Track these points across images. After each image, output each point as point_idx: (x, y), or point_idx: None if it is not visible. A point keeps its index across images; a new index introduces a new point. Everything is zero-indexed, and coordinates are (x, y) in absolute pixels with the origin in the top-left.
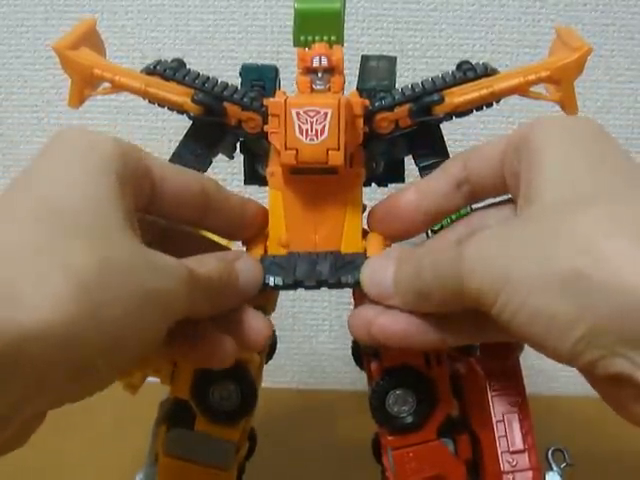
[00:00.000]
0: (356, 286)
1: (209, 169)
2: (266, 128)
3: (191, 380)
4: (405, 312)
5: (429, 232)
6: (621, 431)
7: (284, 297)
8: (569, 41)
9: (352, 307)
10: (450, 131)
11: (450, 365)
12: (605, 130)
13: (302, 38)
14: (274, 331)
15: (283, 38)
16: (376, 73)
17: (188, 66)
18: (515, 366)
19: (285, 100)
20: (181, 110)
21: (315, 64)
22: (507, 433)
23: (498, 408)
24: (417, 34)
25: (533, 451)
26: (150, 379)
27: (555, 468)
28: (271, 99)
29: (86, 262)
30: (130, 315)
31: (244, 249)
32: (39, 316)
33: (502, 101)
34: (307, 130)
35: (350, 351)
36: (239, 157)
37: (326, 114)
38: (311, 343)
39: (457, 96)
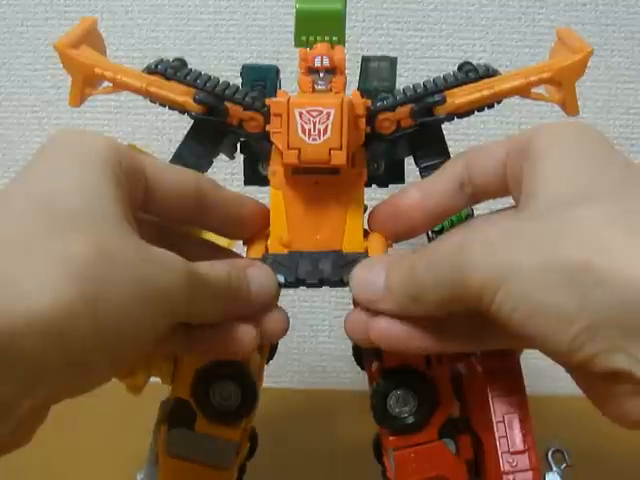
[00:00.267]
0: None
1: (209, 169)
2: (268, 128)
3: (192, 380)
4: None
5: (430, 233)
6: (621, 431)
7: (284, 297)
8: (570, 42)
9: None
10: (450, 131)
11: (451, 365)
12: (604, 136)
13: (303, 38)
14: None
15: (283, 38)
16: (377, 74)
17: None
18: (515, 366)
19: (288, 100)
20: (182, 109)
21: (317, 64)
22: (507, 433)
23: (498, 408)
24: (417, 34)
25: (533, 451)
26: (151, 379)
27: (555, 468)
28: (273, 99)
29: (84, 254)
30: (128, 307)
31: (245, 248)
32: (37, 307)
33: (502, 101)
34: (310, 130)
35: (350, 351)
36: (239, 157)
37: (329, 114)
38: (311, 343)
39: (459, 97)
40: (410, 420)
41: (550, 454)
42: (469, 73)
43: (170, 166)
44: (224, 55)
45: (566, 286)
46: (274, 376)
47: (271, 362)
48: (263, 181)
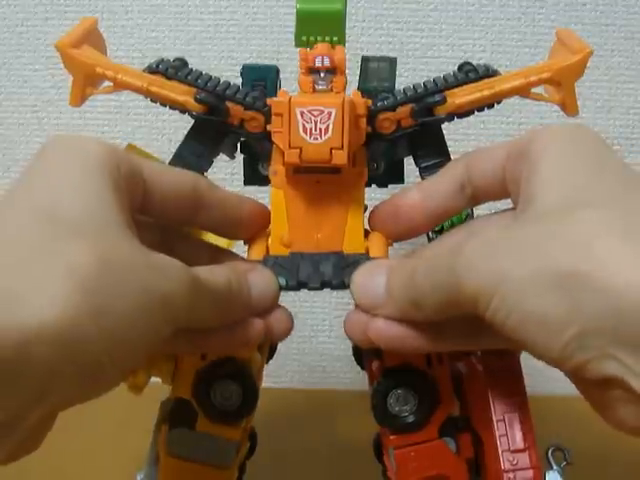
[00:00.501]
0: None
1: (209, 169)
2: (269, 127)
3: (192, 380)
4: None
5: (430, 233)
6: (621, 432)
7: (284, 297)
8: (569, 43)
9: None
10: (450, 131)
11: (451, 364)
12: (603, 139)
13: (304, 38)
14: None
15: (283, 38)
16: (377, 74)
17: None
18: (516, 365)
19: (289, 99)
20: (183, 109)
21: (318, 64)
22: (508, 432)
23: (499, 407)
24: (417, 34)
25: (533, 450)
26: (151, 379)
27: (555, 467)
28: (274, 98)
29: (87, 262)
30: (132, 314)
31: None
32: (42, 318)
33: (502, 101)
34: (311, 129)
35: (350, 351)
36: (239, 157)
37: (330, 113)
38: (311, 343)
39: (459, 97)
40: (410, 419)
41: (550, 452)
42: (469, 73)
43: (168, 168)
44: (224, 55)
45: (555, 293)
46: (274, 376)
47: (271, 362)
48: (263, 181)
